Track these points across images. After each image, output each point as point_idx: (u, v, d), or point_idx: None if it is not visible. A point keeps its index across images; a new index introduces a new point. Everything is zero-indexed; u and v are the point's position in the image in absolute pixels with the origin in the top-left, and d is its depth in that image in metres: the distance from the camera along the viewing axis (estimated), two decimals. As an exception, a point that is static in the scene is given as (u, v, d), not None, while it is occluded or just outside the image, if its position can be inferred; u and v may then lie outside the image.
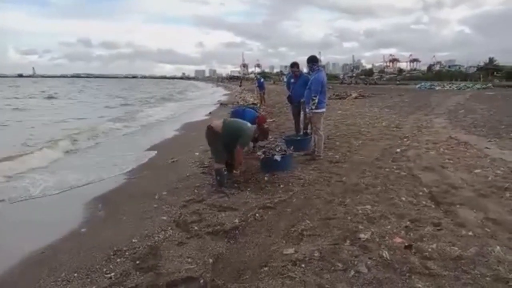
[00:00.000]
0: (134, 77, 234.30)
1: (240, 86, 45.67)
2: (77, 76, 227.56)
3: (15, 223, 3.85)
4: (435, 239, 2.79)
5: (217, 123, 4.45)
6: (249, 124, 4.58)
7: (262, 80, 19.00)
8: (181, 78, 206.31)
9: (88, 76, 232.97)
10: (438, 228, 3.00)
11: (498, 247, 2.60)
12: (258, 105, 15.55)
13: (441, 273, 2.32)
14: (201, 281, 2.41)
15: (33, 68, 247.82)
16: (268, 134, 5.36)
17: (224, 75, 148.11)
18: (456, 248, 2.62)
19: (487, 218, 3.16)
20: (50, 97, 28.60)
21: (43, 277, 2.61)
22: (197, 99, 27.29)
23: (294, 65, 6.73)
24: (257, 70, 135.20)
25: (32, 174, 5.50)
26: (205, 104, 20.70)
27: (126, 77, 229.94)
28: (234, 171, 4.69)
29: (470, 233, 2.87)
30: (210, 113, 14.86)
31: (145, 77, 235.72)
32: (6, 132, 10.65)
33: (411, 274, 2.33)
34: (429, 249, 2.62)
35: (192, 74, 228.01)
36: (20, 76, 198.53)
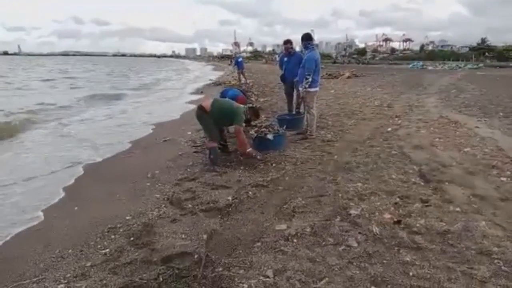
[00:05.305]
0: (123, 55, 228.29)
1: (229, 64, 46.01)
2: (66, 54, 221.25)
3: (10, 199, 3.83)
4: (424, 215, 2.87)
5: (207, 103, 4.48)
6: (238, 104, 4.70)
7: (240, 59, 18.29)
8: (171, 56, 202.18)
9: (76, 54, 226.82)
10: (426, 204, 3.08)
11: (483, 222, 2.70)
12: (250, 84, 15.35)
13: (428, 246, 2.40)
14: (196, 256, 2.45)
15: (18, 45, 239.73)
16: (260, 113, 5.28)
17: (215, 53, 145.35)
18: (443, 224, 2.71)
19: (474, 194, 3.26)
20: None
21: (38, 253, 2.63)
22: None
23: (288, 41, 6.62)
24: (249, 48, 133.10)
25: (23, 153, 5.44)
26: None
27: (115, 55, 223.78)
28: (240, 155, 4.63)
29: (457, 209, 2.96)
30: (201, 92, 14.68)
31: (134, 55, 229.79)
32: None
33: (400, 248, 2.41)
34: (417, 224, 2.71)
35: (183, 53, 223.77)
36: (6, 54, 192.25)
